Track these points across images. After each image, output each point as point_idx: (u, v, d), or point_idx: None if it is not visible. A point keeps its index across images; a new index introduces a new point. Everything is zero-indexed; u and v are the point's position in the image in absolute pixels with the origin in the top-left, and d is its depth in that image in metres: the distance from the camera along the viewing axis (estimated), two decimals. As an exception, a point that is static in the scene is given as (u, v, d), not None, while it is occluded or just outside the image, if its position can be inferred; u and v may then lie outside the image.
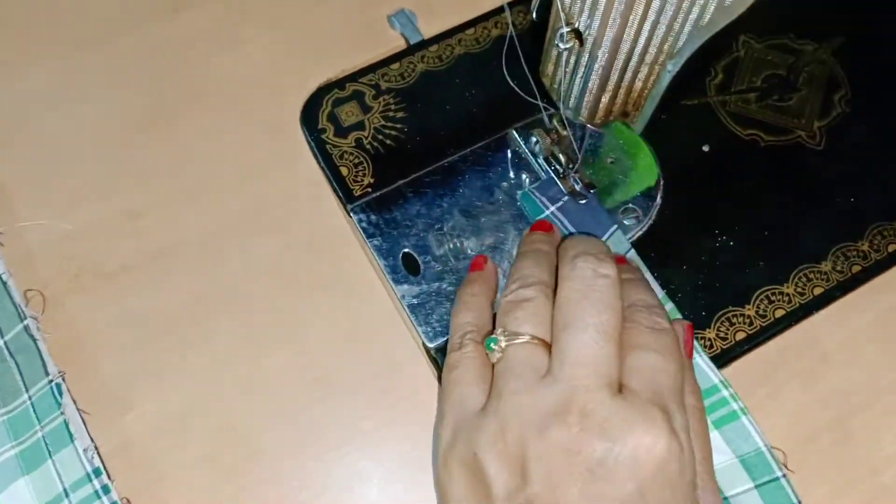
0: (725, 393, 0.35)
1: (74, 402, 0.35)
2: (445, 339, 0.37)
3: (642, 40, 0.28)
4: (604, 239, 0.37)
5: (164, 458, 0.36)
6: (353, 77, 0.43)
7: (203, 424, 0.37)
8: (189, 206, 0.41)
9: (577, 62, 0.30)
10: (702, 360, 0.35)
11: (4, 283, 0.37)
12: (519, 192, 0.40)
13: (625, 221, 0.40)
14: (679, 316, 0.37)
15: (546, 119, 0.38)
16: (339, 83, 0.43)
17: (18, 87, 0.43)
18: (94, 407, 0.36)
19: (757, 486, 0.34)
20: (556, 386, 0.28)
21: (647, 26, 0.27)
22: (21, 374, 0.35)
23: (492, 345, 0.31)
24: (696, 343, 0.35)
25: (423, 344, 0.37)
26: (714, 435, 0.34)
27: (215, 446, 0.37)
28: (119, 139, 0.42)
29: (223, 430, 0.37)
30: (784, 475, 0.33)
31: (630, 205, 0.40)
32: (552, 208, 0.39)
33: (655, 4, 0.26)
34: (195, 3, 0.45)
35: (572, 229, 0.38)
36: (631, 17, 0.27)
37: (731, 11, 0.24)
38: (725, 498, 0.34)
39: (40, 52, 0.44)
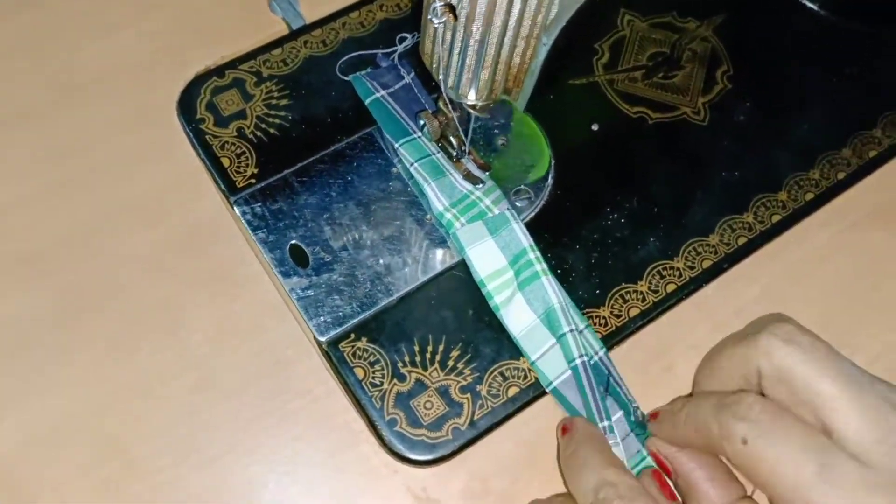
0: (532, 255, 0.37)
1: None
2: (337, 331, 0.36)
3: (515, 12, 0.27)
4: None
5: (36, 474, 0.34)
6: (233, 64, 0.41)
7: (77, 437, 0.34)
8: (56, 203, 0.38)
9: (452, 38, 0.29)
10: (516, 226, 0.37)
11: None
12: (350, 76, 0.41)
13: (517, 203, 0.39)
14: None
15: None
16: (218, 71, 0.41)
17: None
18: (-47, 424, 0.34)
19: (558, 340, 0.35)
20: None
21: (517, -2, 0.26)
22: None
23: None
24: (508, 209, 0.38)
25: (315, 338, 0.36)
26: (518, 297, 0.36)
27: (91, 459, 0.34)
28: (-21, 135, 0.39)
29: (99, 441, 0.35)
30: (572, 330, 0.35)
31: (522, 186, 0.40)
32: (382, 93, 0.40)
33: (524, -26, 0.25)
34: (59, -10, 0.43)
35: (404, 115, 0.39)
36: (501, -11, 0.26)
37: (597, -22, 0.23)
38: (533, 363, 0.36)
39: None
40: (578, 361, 0.35)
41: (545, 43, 0.27)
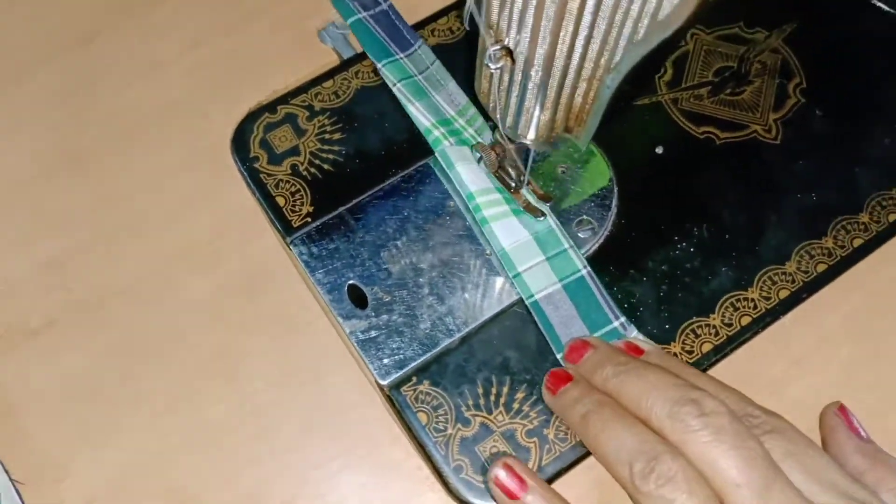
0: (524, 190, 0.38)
1: (7, 472, 0.33)
2: (398, 375, 0.35)
3: (576, 56, 0.25)
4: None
5: (105, 528, 0.34)
6: (285, 98, 0.40)
7: (144, 488, 0.34)
8: (113, 250, 0.38)
9: (510, 80, 0.28)
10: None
11: (-83, 353, 0.34)
12: None
13: (580, 234, 0.38)
14: (640, 334, 0.36)
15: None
16: (270, 106, 0.40)
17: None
18: (28, 476, 0.34)
19: (547, 259, 0.36)
20: None
21: (579, 42, 0.25)
22: (-58, 451, 0.33)
23: None
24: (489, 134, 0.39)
25: (376, 381, 0.35)
26: (512, 219, 0.37)
27: (160, 509, 0.34)
28: (34, 184, 0.40)
29: (165, 492, 0.35)
30: (572, 246, 0.37)
31: (584, 216, 0.38)
32: (363, 14, 0.41)
33: (586, 19, 0.24)
34: (106, 30, 0.43)
35: (385, 37, 0.40)
36: (561, 34, 0.24)
37: (667, 26, 0.22)
38: (518, 274, 0.36)
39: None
40: (584, 272, 0.36)
41: (609, 86, 0.26)
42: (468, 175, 0.38)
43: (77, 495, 0.34)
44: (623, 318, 0.36)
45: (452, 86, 0.41)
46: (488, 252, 0.38)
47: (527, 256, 0.37)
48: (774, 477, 0.27)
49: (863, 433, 0.34)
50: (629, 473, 0.28)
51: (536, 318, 0.36)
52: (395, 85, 0.40)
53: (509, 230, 0.37)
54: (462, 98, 0.40)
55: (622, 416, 0.30)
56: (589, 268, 0.36)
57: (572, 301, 0.36)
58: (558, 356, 0.35)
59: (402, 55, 0.40)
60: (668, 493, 0.27)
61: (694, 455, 0.27)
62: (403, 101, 0.39)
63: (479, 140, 0.38)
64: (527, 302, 0.36)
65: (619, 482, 0.29)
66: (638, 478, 0.28)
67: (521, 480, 0.31)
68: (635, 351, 0.34)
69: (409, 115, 0.39)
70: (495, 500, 0.32)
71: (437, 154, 0.38)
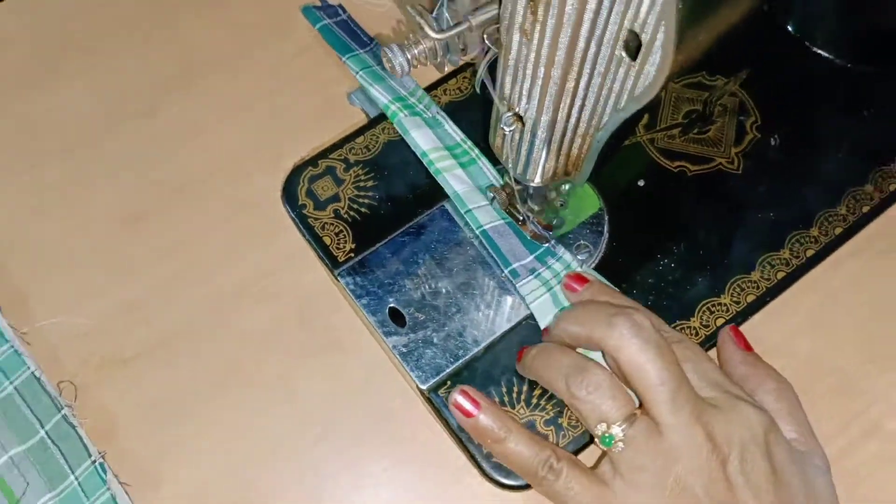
0: (465, 146, 0.47)
1: (116, 476, 0.40)
2: (435, 380, 0.42)
3: (573, 120, 0.33)
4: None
5: (196, 520, 0.40)
6: (324, 154, 0.48)
7: (224, 490, 0.41)
8: (182, 290, 0.45)
9: (520, 138, 0.36)
10: (448, 126, 0.48)
11: (38, 379, 0.41)
12: (302, 8, 0.52)
13: (579, 256, 0.45)
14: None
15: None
16: (312, 161, 0.48)
17: (11, 200, 0.47)
18: (131, 481, 0.40)
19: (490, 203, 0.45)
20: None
21: (575, 111, 0.32)
22: (65, 458, 0.39)
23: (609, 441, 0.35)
24: (438, 112, 0.48)
25: (417, 387, 0.42)
26: (459, 171, 0.46)
27: (238, 505, 0.41)
28: (113, 236, 0.46)
29: (243, 493, 0.41)
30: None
31: (581, 241, 0.46)
32: (328, 21, 0.51)
33: (580, 94, 0.31)
34: (166, 102, 0.50)
35: (346, 38, 0.50)
36: (561, 105, 0.32)
37: (641, 100, 0.29)
38: (469, 210, 0.44)
39: (25, 166, 0.48)
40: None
41: (598, 140, 0.33)
42: (421, 138, 0.47)
43: (173, 496, 0.41)
44: (553, 240, 0.44)
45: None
46: (503, 275, 0.45)
47: (474, 199, 0.45)
48: (682, 378, 0.35)
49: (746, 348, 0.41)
50: (565, 385, 0.36)
51: (486, 244, 0.44)
52: (357, 73, 0.49)
53: (458, 179, 0.46)
54: (411, 83, 0.49)
55: (559, 347, 0.38)
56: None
57: (513, 231, 0.45)
58: (506, 271, 0.44)
59: (361, 51, 0.50)
60: (596, 398, 0.35)
61: (625, 359, 0.35)
62: (365, 84, 0.48)
63: (428, 113, 0.48)
64: (476, 231, 0.44)
65: (558, 395, 0.37)
66: (573, 387, 0.35)
67: (475, 402, 0.38)
68: (580, 279, 0.41)
69: (370, 96, 0.48)
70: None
71: (394, 123, 0.47)
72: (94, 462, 0.40)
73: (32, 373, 0.41)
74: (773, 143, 0.49)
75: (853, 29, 0.51)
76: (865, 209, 0.46)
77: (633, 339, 0.35)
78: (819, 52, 0.51)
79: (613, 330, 0.35)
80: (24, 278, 0.45)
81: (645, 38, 0.27)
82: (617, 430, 0.34)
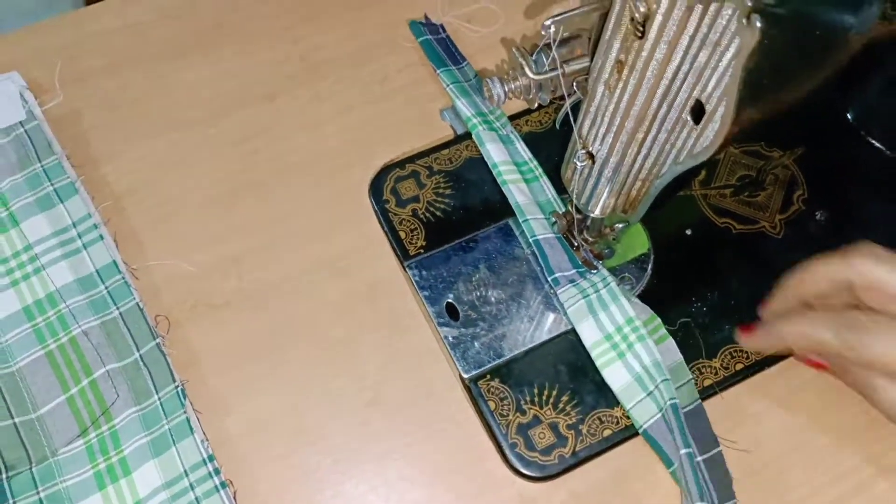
0: (531, 164, 0.53)
1: (191, 404, 0.46)
2: (477, 372, 0.48)
3: (636, 166, 0.38)
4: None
5: (253, 453, 0.46)
6: (412, 159, 0.54)
7: (282, 429, 0.47)
8: (277, 254, 0.52)
9: (589, 173, 0.41)
10: (518, 144, 0.54)
11: (141, 309, 0.47)
12: (409, 22, 0.59)
13: (623, 286, 0.50)
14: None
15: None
16: (401, 163, 0.54)
17: (146, 155, 0.54)
18: (204, 409, 0.47)
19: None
20: None
21: (640, 158, 0.38)
22: (153, 380, 0.46)
23: None
24: (512, 132, 0.55)
25: (460, 375, 0.48)
26: (522, 185, 0.52)
27: (290, 446, 0.47)
28: (224, 199, 0.53)
29: (297, 434, 0.47)
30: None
31: (626, 274, 0.51)
32: (430, 36, 0.58)
33: (646, 145, 0.37)
34: (286, 92, 0.57)
35: (443, 54, 0.57)
36: (629, 151, 0.38)
37: (697, 158, 0.35)
38: (526, 220, 0.51)
39: (162, 128, 0.55)
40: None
41: (657, 186, 0.39)
42: (495, 151, 0.52)
43: (237, 428, 0.47)
44: (600, 268, 0.50)
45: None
46: (552, 291, 0.50)
47: (532, 211, 0.51)
48: None
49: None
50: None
51: (536, 251, 0.50)
52: (448, 86, 0.55)
53: (521, 191, 0.51)
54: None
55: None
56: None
57: (563, 248, 0.50)
58: (549, 278, 0.49)
59: (454, 67, 0.56)
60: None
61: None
62: (453, 96, 0.54)
63: (505, 132, 0.54)
64: (530, 239, 0.50)
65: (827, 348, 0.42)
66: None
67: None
68: None
69: (456, 108, 0.54)
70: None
71: (472, 135, 0.53)
72: (177, 387, 0.46)
73: (137, 303, 0.48)
74: (818, 217, 0.53)
75: (907, 126, 0.56)
76: (890, 290, 0.51)
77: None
78: (872, 141, 0.56)
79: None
80: (142, 223, 0.52)
81: (709, 108, 0.33)
82: None
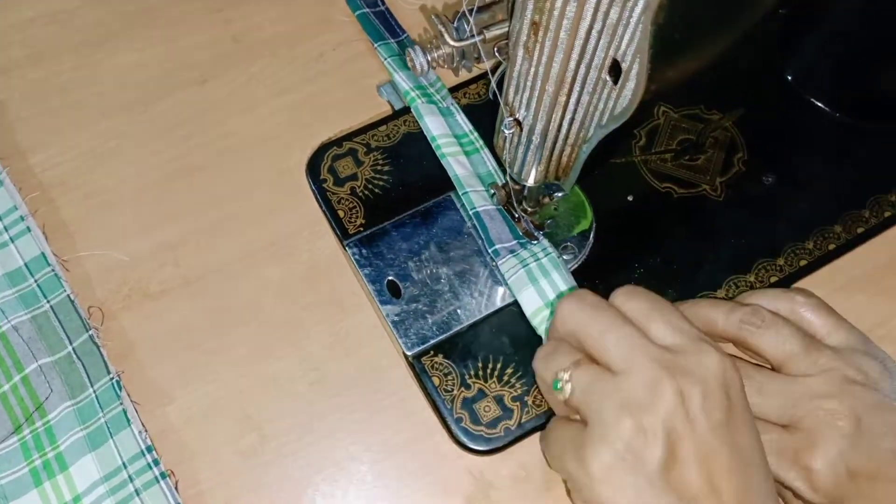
0: (472, 137, 0.53)
1: (129, 395, 0.45)
2: (420, 348, 0.47)
3: (563, 131, 0.38)
4: None
5: (196, 441, 0.46)
6: (349, 137, 0.53)
7: (226, 415, 0.46)
8: (213, 239, 0.51)
9: (518, 141, 0.41)
10: (459, 116, 0.53)
11: (72, 301, 0.46)
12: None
13: (564, 257, 0.50)
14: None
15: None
16: (338, 142, 0.53)
17: (75, 144, 0.53)
18: (143, 399, 0.46)
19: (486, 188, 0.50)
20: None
21: (565, 122, 0.37)
22: (87, 372, 0.45)
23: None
24: (453, 104, 0.54)
25: (403, 352, 0.47)
26: (462, 158, 0.51)
27: (234, 432, 0.46)
28: (157, 186, 0.52)
29: (242, 420, 0.46)
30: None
31: (568, 243, 0.51)
32: (367, 9, 0.57)
33: (570, 108, 0.36)
34: (219, 75, 0.56)
35: (381, 27, 0.56)
36: (554, 116, 0.37)
37: (619, 119, 0.34)
38: (466, 192, 0.50)
39: (92, 116, 0.54)
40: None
41: (585, 150, 0.38)
42: (433, 124, 0.52)
43: (177, 416, 0.46)
44: (541, 238, 0.49)
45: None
46: (494, 263, 0.50)
47: (472, 183, 0.50)
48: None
49: None
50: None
51: (476, 224, 0.49)
52: (385, 59, 0.54)
53: (461, 164, 0.51)
54: (433, 76, 0.54)
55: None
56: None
57: (504, 220, 0.49)
58: (489, 250, 0.48)
59: (392, 40, 0.56)
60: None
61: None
62: (391, 70, 0.54)
63: (443, 104, 0.53)
64: (470, 212, 0.49)
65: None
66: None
67: None
68: None
69: (394, 81, 0.54)
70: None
71: (411, 108, 0.53)
72: (112, 379, 0.45)
73: (68, 295, 0.47)
74: (766, 181, 0.53)
75: (846, 86, 0.55)
76: (831, 247, 0.51)
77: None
78: (812, 101, 0.55)
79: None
80: (72, 213, 0.50)
81: (624, 66, 0.32)
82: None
